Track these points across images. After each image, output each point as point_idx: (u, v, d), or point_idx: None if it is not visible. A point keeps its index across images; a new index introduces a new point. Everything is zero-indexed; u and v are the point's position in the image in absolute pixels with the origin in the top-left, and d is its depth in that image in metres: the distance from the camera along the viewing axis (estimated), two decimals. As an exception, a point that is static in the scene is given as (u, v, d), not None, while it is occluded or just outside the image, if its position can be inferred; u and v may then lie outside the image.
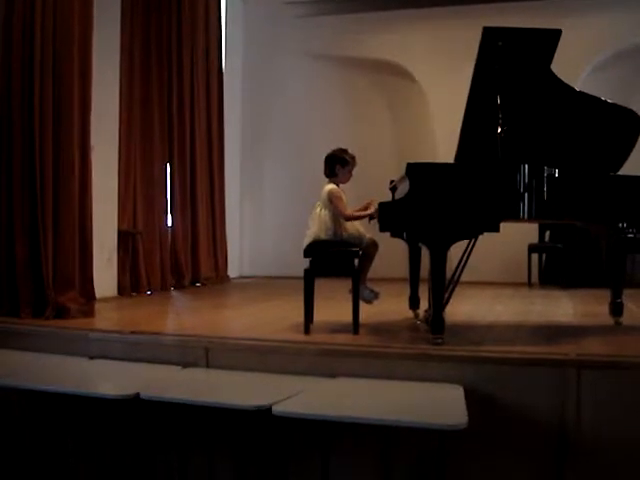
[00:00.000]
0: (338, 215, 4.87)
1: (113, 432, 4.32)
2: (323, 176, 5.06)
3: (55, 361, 4.49)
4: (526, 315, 5.97)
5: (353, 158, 5.06)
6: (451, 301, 4.72)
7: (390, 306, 5.85)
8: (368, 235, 4.96)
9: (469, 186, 4.21)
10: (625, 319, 5.10)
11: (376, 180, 6.24)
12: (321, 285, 5.04)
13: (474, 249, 4.81)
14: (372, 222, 4.87)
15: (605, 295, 5.30)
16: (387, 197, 5.08)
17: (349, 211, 4.90)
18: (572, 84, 4.87)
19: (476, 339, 4.53)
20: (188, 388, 3.92)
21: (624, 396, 3.61)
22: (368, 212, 4.88)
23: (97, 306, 5.66)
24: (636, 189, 4.55)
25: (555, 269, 8.69)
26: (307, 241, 4.89)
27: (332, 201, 4.86)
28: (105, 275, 6.73)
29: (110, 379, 4.26)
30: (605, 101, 4.84)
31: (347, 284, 4.82)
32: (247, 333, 4.78)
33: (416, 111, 9.66)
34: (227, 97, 9.44)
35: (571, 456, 3.65)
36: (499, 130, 4.52)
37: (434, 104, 9.30)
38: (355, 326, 4.68)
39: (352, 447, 3.86)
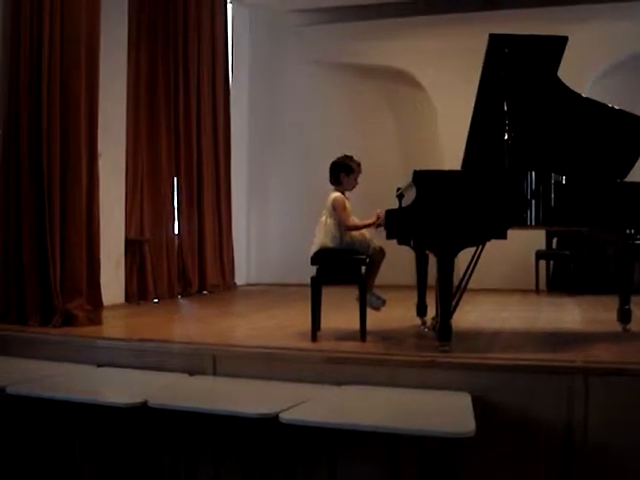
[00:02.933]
0: (340, 224, 4.86)
1: (121, 439, 4.32)
2: (329, 184, 5.07)
3: (63, 369, 4.50)
4: (534, 322, 5.95)
5: (358, 165, 5.04)
6: (458, 308, 4.72)
7: (397, 313, 5.85)
8: (375, 242, 4.95)
9: (476, 193, 4.21)
10: (633, 326, 5.08)
11: (382, 187, 6.24)
12: (328, 292, 5.04)
13: (481, 256, 4.80)
14: (379, 229, 4.86)
15: (613, 302, 5.28)
16: (393, 204, 5.07)
17: (351, 221, 4.89)
18: (579, 91, 4.87)
19: (483, 346, 4.52)
20: (196, 396, 3.93)
21: (632, 403, 3.60)
22: (369, 222, 4.85)
23: (104, 314, 5.66)
24: (643, 196, 4.55)
25: (563, 276, 8.66)
26: (314, 249, 4.89)
27: (335, 209, 4.86)
28: (112, 283, 6.74)
29: (118, 387, 4.27)
30: (612, 107, 4.84)
31: (354, 291, 4.82)
32: (254, 341, 4.78)
33: (422, 118, 9.66)
34: (233, 105, 9.45)
35: (578, 463, 3.64)
36: (506, 137, 4.51)
37: (441, 111, 9.30)
38: (362, 333, 4.68)
39: (359, 454, 3.85)
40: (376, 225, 4.81)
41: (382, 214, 4.53)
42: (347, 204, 4.92)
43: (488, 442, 3.57)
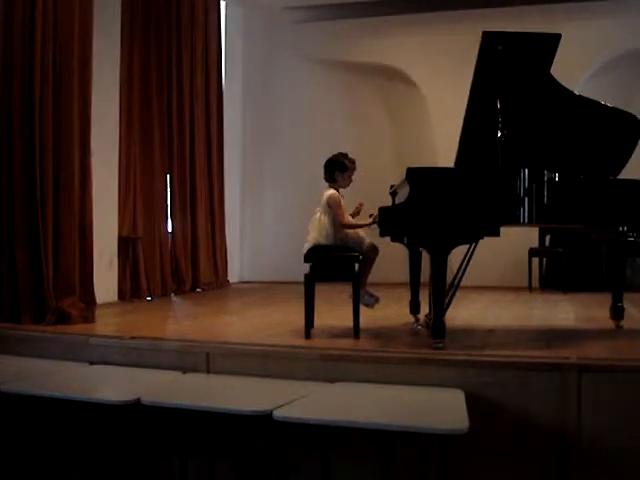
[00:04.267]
0: (336, 222, 4.86)
1: (114, 437, 4.31)
2: (323, 181, 5.06)
3: (56, 367, 4.49)
4: (527, 319, 5.97)
5: (353, 162, 5.03)
6: (452, 305, 4.72)
7: (391, 311, 5.85)
8: (368, 240, 4.95)
9: (469, 190, 4.21)
10: (626, 323, 5.09)
11: (376, 184, 6.25)
12: (322, 290, 5.04)
13: (475, 253, 4.81)
14: (372, 227, 4.86)
15: (606, 299, 5.30)
16: (387, 201, 5.07)
17: (347, 219, 4.89)
18: (572, 88, 4.87)
19: (477, 343, 4.52)
20: (189, 393, 3.92)
21: (625, 400, 3.61)
22: (366, 223, 4.83)
23: (98, 312, 5.65)
24: (636, 193, 4.56)
25: (556, 273, 8.68)
26: (307, 246, 4.89)
27: (331, 207, 4.86)
28: (105, 281, 6.73)
29: (111, 385, 4.26)
30: (605, 105, 4.85)
31: (347, 289, 4.82)
32: (248, 338, 4.78)
33: (416, 115, 9.66)
34: (227, 103, 9.44)
35: (572, 460, 3.65)
36: (499, 134, 4.52)
37: (434, 108, 9.31)
38: (356, 331, 4.68)
39: (353, 452, 3.85)
40: (370, 223, 4.81)
41: (376, 215, 4.54)
42: (342, 202, 4.91)
43: (482, 439, 3.58)
